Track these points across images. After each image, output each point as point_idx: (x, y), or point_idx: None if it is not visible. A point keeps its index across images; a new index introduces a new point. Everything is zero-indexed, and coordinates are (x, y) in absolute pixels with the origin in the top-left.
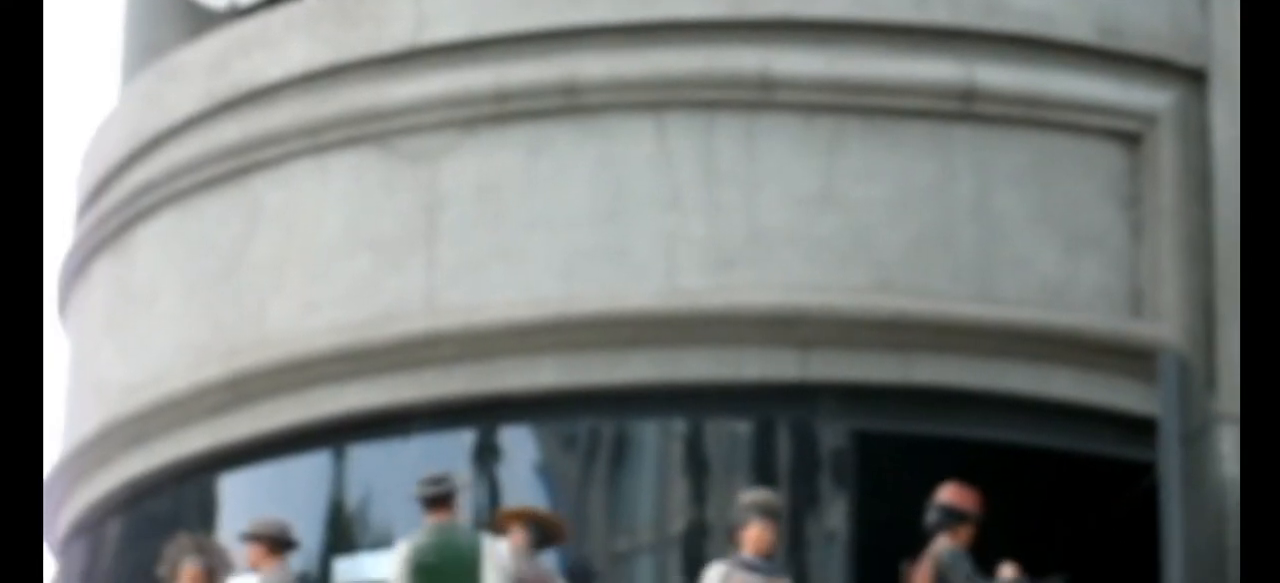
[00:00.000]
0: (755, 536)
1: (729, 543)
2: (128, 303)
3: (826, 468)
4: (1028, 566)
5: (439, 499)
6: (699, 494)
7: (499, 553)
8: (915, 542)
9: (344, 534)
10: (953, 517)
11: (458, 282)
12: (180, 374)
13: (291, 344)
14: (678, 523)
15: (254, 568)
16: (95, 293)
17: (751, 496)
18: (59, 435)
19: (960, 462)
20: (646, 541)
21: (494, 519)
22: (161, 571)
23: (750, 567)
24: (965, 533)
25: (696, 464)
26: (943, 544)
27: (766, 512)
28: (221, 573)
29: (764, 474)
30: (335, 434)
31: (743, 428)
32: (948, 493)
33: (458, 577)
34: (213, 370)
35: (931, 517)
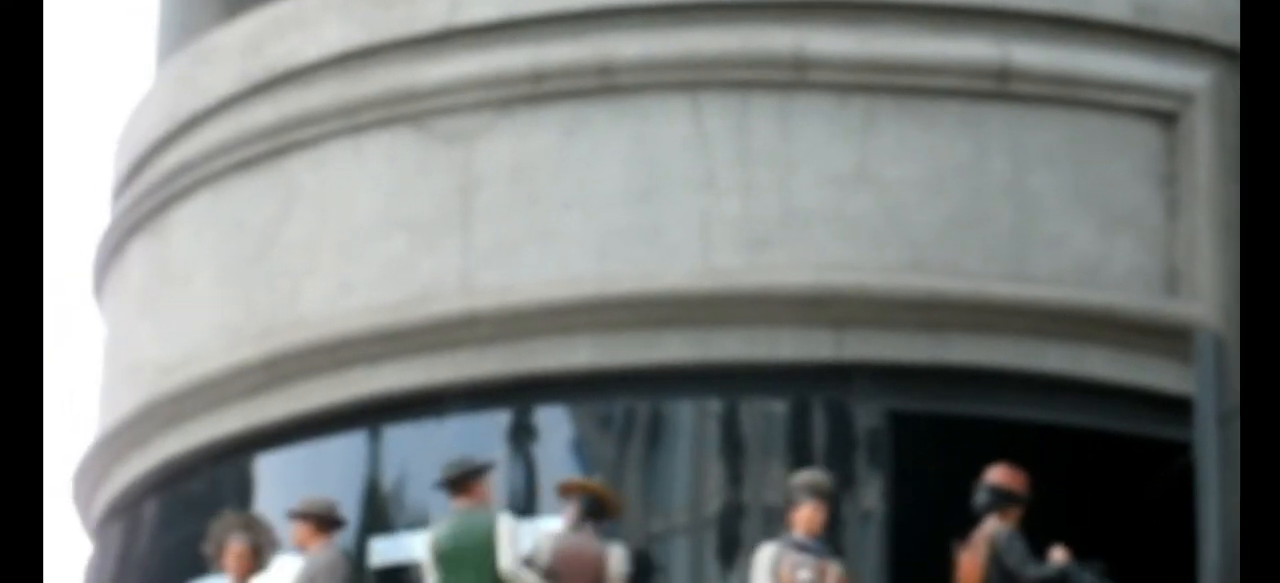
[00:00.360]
0: (807, 516)
1: (780, 524)
2: (163, 284)
3: (862, 448)
4: (1061, 545)
5: (458, 484)
6: (734, 474)
7: (522, 531)
8: (951, 521)
9: (380, 514)
10: (1003, 498)
11: (493, 262)
12: (216, 355)
13: (327, 325)
14: (713, 504)
15: (301, 546)
16: (131, 274)
17: (803, 476)
18: (94, 417)
19: (995, 441)
20: (682, 522)
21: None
22: (207, 548)
23: (802, 548)
24: (1015, 514)
25: (732, 444)
26: (996, 526)
27: (818, 492)
28: (268, 551)
29: (799, 454)
30: (371, 415)
31: (778, 408)
32: (997, 474)
33: (475, 561)
34: (248, 351)
35: (981, 498)
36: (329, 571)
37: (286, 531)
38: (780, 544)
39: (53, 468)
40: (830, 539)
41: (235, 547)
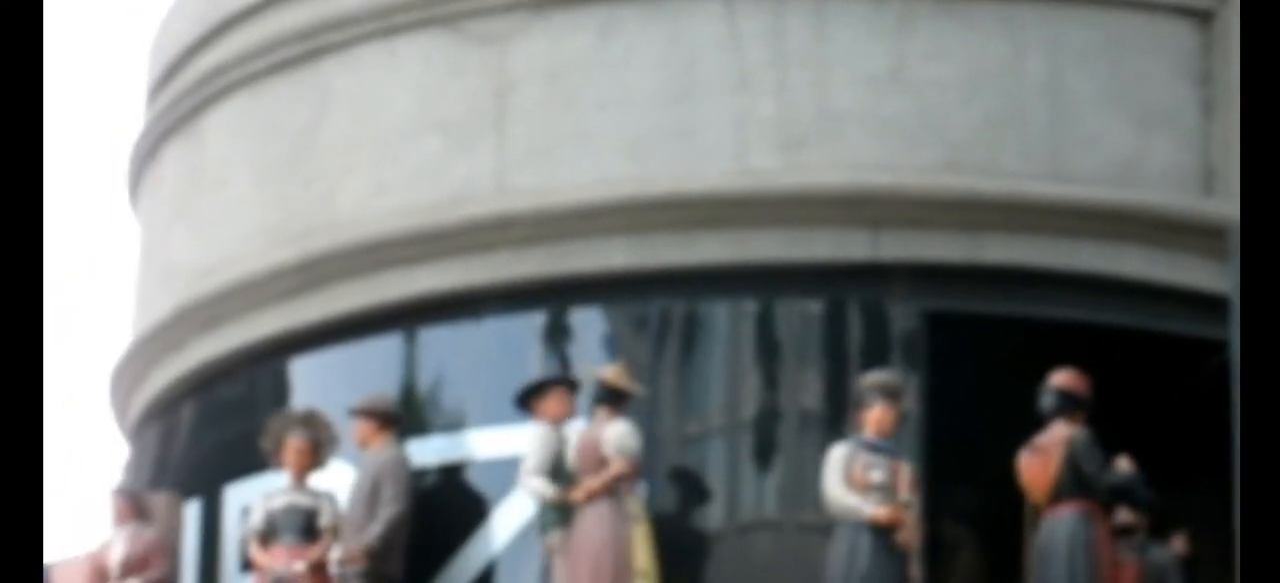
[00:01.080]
0: (877, 416)
1: (815, 426)
2: (198, 188)
3: (897, 348)
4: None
5: (523, 402)
6: (770, 376)
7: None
8: (988, 421)
9: (416, 417)
10: (1070, 402)
11: (528, 164)
12: (251, 258)
13: (362, 227)
14: (749, 406)
15: (362, 444)
16: (166, 178)
17: (874, 377)
18: (131, 320)
19: (1030, 341)
20: (717, 424)
21: None
22: (266, 444)
23: (873, 448)
24: (1081, 419)
25: (767, 345)
26: (1071, 430)
27: (889, 393)
28: (327, 447)
29: (835, 355)
30: (406, 317)
31: (814, 308)
32: (1064, 378)
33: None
34: (284, 254)
35: (1047, 402)
36: (392, 468)
37: (345, 428)
38: (852, 444)
39: (90, 375)
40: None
41: (294, 443)
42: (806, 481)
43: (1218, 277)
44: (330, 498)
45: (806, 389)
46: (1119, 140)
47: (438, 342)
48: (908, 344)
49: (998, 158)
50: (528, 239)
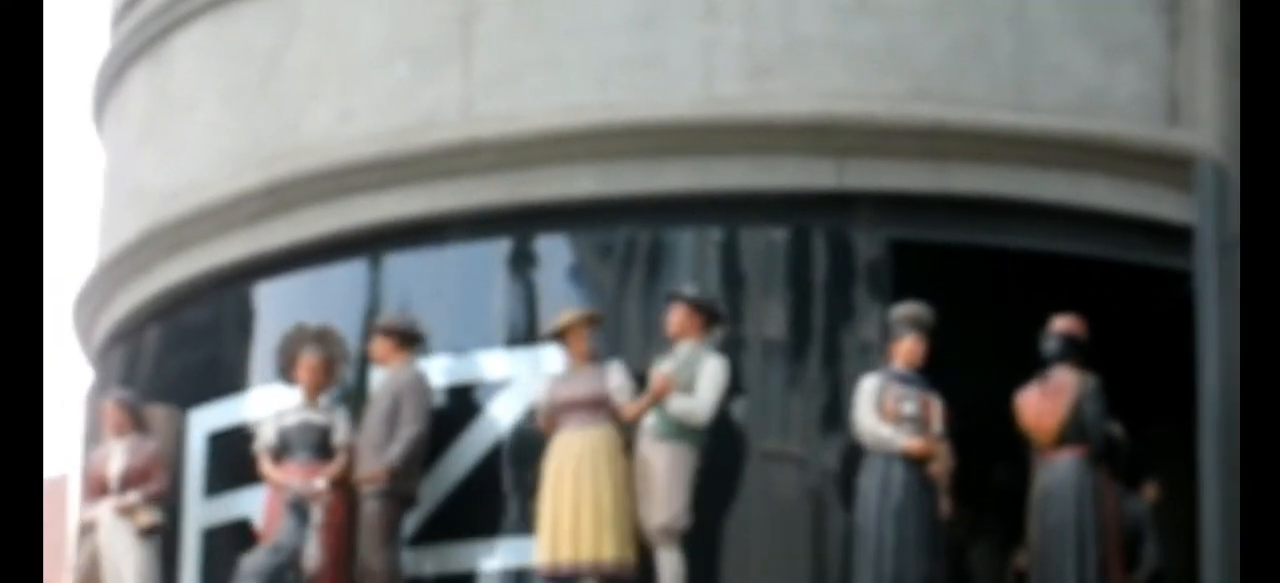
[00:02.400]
0: (908, 348)
1: (780, 356)
2: (165, 111)
3: (862, 277)
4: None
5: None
6: (734, 304)
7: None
8: (951, 349)
9: None
10: (1074, 347)
11: (494, 90)
12: (218, 182)
13: (329, 152)
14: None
15: (381, 362)
16: (132, 101)
17: (904, 309)
18: (95, 244)
19: (996, 270)
20: None
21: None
22: (279, 361)
23: (904, 380)
24: (1082, 363)
25: (732, 273)
26: (1079, 377)
27: (919, 325)
28: (340, 364)
29: (799, 283)
30: (372, 242)
31: (778, 236)
32: (1066, 323)
33: None
34: (250, 178)
35: (1050, 346)
36: (412, 388)
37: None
38: (882, 376)
39: (53, 297)
40: (824, 370)
41: (308, 360)
42: (770, 409)
43: (1183, 207)
44: (344, 415)
45: (771, 318)
46: (1084, 69)
47: (403, 267)
48: (872, 273)
49: (963, 86)
50: (494, 166)
